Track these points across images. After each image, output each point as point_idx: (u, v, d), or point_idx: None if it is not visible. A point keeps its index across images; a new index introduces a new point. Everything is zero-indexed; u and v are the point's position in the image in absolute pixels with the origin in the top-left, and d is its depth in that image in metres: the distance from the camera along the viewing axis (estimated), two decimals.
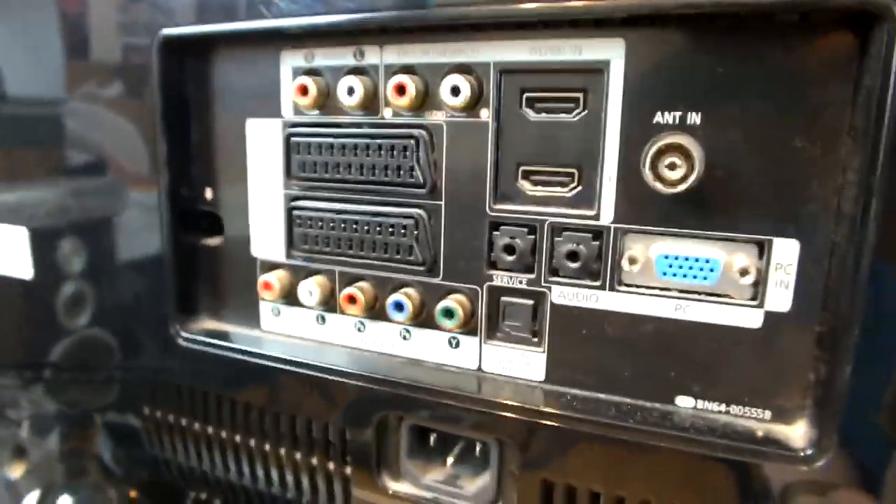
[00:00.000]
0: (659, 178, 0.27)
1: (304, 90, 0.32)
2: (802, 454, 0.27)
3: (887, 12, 0.23)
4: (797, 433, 0.28)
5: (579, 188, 0.29)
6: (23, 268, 0.44)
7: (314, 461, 0.37)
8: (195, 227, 0.38)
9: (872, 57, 0.23)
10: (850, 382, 0.25)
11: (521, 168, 0.30)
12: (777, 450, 0.27)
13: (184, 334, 0.38)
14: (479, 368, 0.33)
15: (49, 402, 0.46)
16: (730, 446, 0.28)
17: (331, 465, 0.37)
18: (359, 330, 0.35)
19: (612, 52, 0.28)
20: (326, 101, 0.33)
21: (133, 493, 0.47)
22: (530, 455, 0.31)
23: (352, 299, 0.34)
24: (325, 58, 0.33)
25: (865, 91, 0.24)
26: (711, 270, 0.28)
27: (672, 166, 0.26)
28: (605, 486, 0.30)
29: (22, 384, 0.46)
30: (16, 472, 0.48)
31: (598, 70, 0.28)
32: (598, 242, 0.29)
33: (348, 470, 0.36)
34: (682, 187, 0.26)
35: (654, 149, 0.26)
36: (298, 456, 0.37)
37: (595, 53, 0.28)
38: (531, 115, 0.30)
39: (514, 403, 0.31)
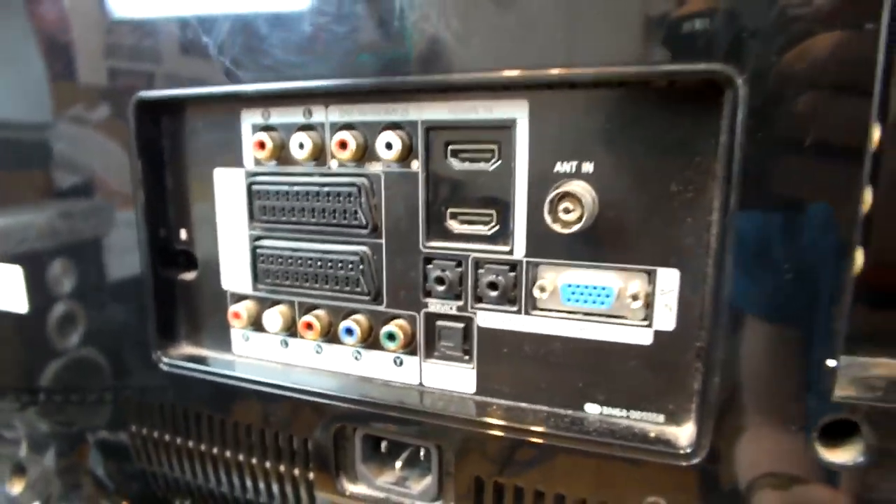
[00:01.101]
0: (557, 220, 0.30)
1: (261, 145, 0.36)
2: (684, 451, 0.31)
3: (730, 82, 0.27)
4: (685, 433, 0.32)
5: (497, 227, 0.33)
6: (18, 303, 0.48)
7: (282, 468, 0.41)
8: (173, 263, 0.42)
9: (724, 116, 0.27)
10: (719, 390, 0.29)
11: (449, 210, 0.34)
12: (665, 448, 0.31)
13: (164, 359, 0.42)
14: (421, 383, 0.37)
15: (44, 423, 0.49)
16: (628, 446, 0.32)
17: (296, 472, 0.40)
18: (317, 352, 0.39)
19: (517, 112, 0.32)
20: (281, 154, 0.37)
21: None
22: (463, 457, 0.35)
23: (309, 326, 0.38)
24: (280, 116, 0.37)
25: (722, 144, 0.28)
26: (607, 296, 0.32)
27: (567, 210, 0.30)
28: (526, 482, 0.34)
29: (18, 407, 0.49)
30: (16, 487, 0.52)
31: (506, 126, 0.32)
32: (513, 274, 0.33)
33: (311, 475, 0.40)
34: (575, 228, 0.30)
35: (551, 195, 0.30)
36: (268, 464, 0.41)
37: (504, 112, 0.32)
38: (455, 164, 0.34)
39: (450, 414, 0.35)
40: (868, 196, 0.28)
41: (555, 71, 0.29)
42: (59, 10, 0.41)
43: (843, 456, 0.29)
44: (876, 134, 0.27)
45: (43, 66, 0.43)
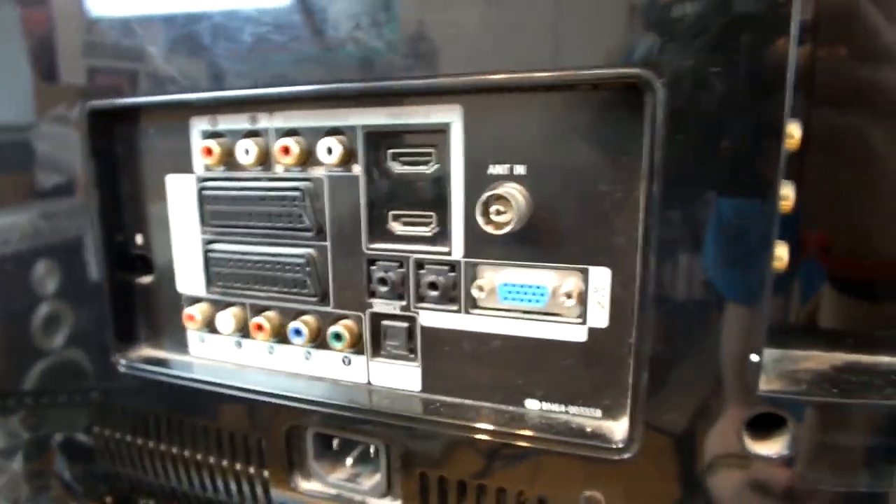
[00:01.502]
0: (490, 222, 0.31)
1: (209, 151, 0.37)
2: (618, 445, 0.31)
3: (649, 84, 0.27)
4: (621, 428, 0.32)
5: (437, 228, 0.34)
6: None
7: (238, 467, 0.41)
8: (130, 267, 0.43)
9: (646, 117, 0.28)
10: (649, 385, 0.30)
11: (391, 212, 0.35)
12: (600, 442, 0.32)
13: (123, 361, 0.43)
14: (368, 382, 0.37)
15: (12, 427, 0.50)
16: (565, 441, 0.32)
17: (251, 470, 0.41)
18: (269, 352, 0.40)
19: (451, 116, 0.32)
20: (229, 160, 0.37)
21: None
22: (409, 454, 0.36)
23: (260, 327, 0.38)
24: (227, 123, 0.37)
25: (645, 145, 0.28)
26: (542, 295, 0.32)
27: (498, 212, 0.31)
28: (469, 477, 0.35)
29: None
30: None
31: (442, 130, 0.32)
32: (453, 274, 0.34)
33: (266, 473, 0.40)
34: (507, 229, 0.30)
35: (483, 198, 0.31)
36: (225, 463, 0.41)
37: (439, 117, 0.32)
38: (396, 167, 0.34)
39: (396, 412, 0.36)
40: (789, 192, 0.28)
41: (484, 76, 0.30)
42: (34, 14, 0.41)
43: (772, 448, 0.29)
44: (797, 132, 0.28)
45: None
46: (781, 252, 0.29)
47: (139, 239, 0.42)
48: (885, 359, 0.32)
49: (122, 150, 0.41)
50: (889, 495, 0.29)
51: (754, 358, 0.28)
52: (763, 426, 0.30)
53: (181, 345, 0.43)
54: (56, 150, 0.43)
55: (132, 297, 0.43)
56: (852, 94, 0.31)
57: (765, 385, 0.29)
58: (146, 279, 0.43)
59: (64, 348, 0.46)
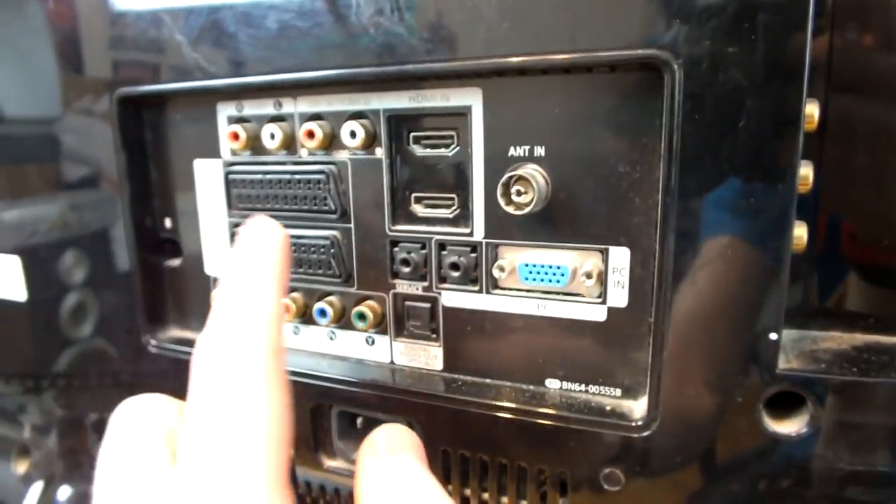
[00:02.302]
0: (511, 202, 0.32)
1: (235, 136, 0.38)
2: (636, 424, 0.32)
3: (667, 65, 0.28)
4: (640, 407, 0.33)
5: (458, 210, 0.34)
6: (17, 291, 0.50)
7: None
8: (159, 250, 0.44)
9: (665, 97, 0.28)
10: (668, 364, 0.30)
11: (413, 195, 0.35)
12: (619, 421, 0.32)
13: (153, 342, 0.44)
14: (392, 361, 0.38)
15: (47, 406, 0.52)
16: (584, 419, 0.33)
17: None
18: (295, 333, 0.41)
19: (472, 99, 0.33)
20: (255, 144, 0.38)
21: None
22: (431, 431, 0.37)
23: (286, 308, 0.39)
24: (252, 108, 0.38)
25: (663, 125, 0.29)
26: (562, 275, 0.33)
27: (519, 193, 0.31)
28: (490, 454, 0.35)
29: (23, 391, 0.52)
30: (21, 467, 0.54)
31: (462, 113, 0.33)
32: (474, 254, 0.34)
33: (291, 451, 0.41)
34: (528, 209, 0.31)
35: (503, 179, 0.31)
36: None
37: (459, 100, 0.33)
38: (417, 150, 0.35)
39: (419, 390, 0.36)
40: (808, 172, 0.29)
41: (503, 59, 0.30)
42: (61, 8, 0.43)
43: (790, 427, 0.30)
44: (816, 113, 0.28)
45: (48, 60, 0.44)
46: (800, 232, 0.29)
47: (168, 223, 0.43)
48: None
49: (151, 136, 0.42)
50: None
51: (773, 337, 0.29)
52: (783, 405, 0.30)
53: None
54: (83, 141, 0.44)
55: (161, 279, 0.44)
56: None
57: (784, 364, 0.30)
58: (175, 262, 0.44)
59: (94, 333, 0.48)
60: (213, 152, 0.40)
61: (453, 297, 0.36)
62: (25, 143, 0.49)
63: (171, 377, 0.44)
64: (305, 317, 0.40)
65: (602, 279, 0.32)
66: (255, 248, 0.29)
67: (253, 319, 0.27)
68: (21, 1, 0.45)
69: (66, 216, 0.47)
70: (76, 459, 0.52)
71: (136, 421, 0.30)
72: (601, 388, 0.34)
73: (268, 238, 0.30)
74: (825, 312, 0.33)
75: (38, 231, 0.49)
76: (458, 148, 0.34)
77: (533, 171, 0.31)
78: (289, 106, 0.37)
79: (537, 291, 0.34)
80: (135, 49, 0.39)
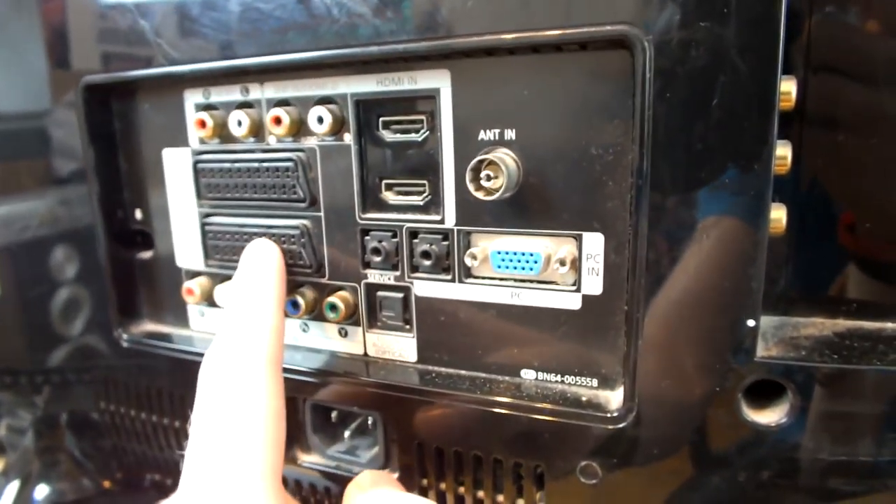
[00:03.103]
0: (480, 188, 0.31)
1: (202, 123, 0.37)
2: (612, 415, 0.31)
3: (637, 41, 0.27)
4: (617, 397, 0.32)
5: (429, 196, 0.34)
6: None
7: None
8: (130, 242, 0.43)
9: (636, 76, 0.27)
10: (643, 352, 0.30)
11: (384, 181, 0.34)
12: (595, 412, 0.31)
13: (125, 336, 0.43)
14: (365, 353, 0.38)
15: (22, 404, 0.51)
16: (560, 411, 0.32)
17: None
18: None
19: (440, 81, 0.32)
20: (223, 132, 0.37)
21: (107, 483, 0.52)
22: (406, 424, 0.36)
23: None
24: (219, 95, 0.37)
25: (635, 105, 0.28)
26: (535, 262, 0.32)
27: (488, 178, 0.30)
28: (465, 447, 0.35)
29: (0, 389, 0.51)
30: None
31: (431, 96, 0.32)
32: (446, 242, 0.33)
33: None
34: (497, 195, 0.30)
35: (472, 164, 0.30)
36: None
37: (427, 83, 0.32)
38: (387, 135, 0.34)
39: (393, 382, 0.36)
40: (785, 152, 0.28)
41: (470, 38, 0.30)
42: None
43: (770, 416, 0.29)
44: (793, 90, 0.27)
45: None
46: (779, 215, 0.28)
47: (138, 214, 0.42)
48: (889, 325, 0.31)
49: (119, 125, 0.41)
50: (890, 463, 0.28)
51: (751, 323, 0.28)
52: (764, 394, 0.29)
53: (182, 319, 0.43)
54: (67, 135, 0.43)
55: (133, 272, 0.44)
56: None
57: (763, 351, 0.29)
58: (146, 254, 0.43)
59: (76, 327, 0.47)
60: (182, 141, 0.39)
61: (426, 287, 0.35)
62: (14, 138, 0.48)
63: (146, 373, 0.44)
64: None
65: (576, 266, 0.31)
66: (255, 267, 0.34)
67: (255, 333, 0.31)
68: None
69: (56, 211, 0.46)
70: (53, 458, 0.52)
71: None
72: (577, 378, 0.33)
73: (267, 258, 0.34)
74: (807, 298, 0.32)
75: (29, 226, 0.48)
76: (427, 132, 0.33)
77: (503, 155, 0.30)
78: (256, 92, 0.36)
79: (510, 280, 0.33)
80: (99, 37, 0.39)
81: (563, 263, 0.31)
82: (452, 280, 0.34)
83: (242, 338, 0.31)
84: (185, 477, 0.28)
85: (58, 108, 0.42)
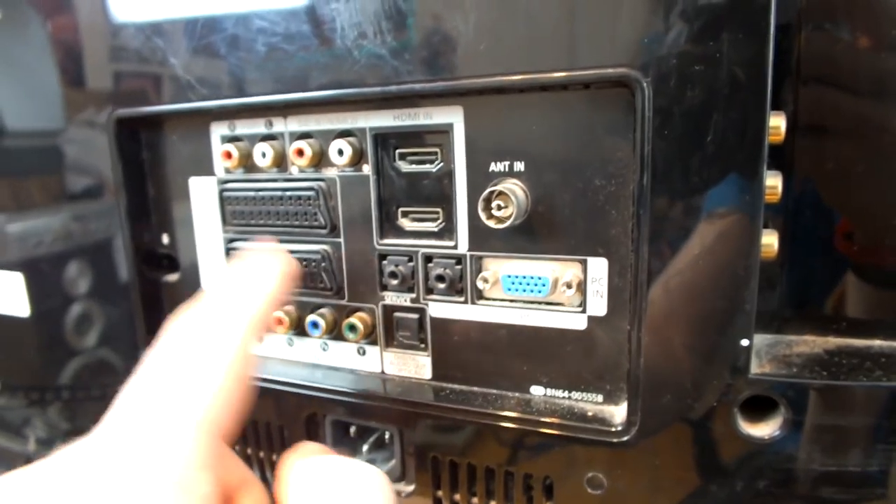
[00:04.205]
0: (491, 217, 0.33)
1: (228, 155, 0.39)
2: (616, 429, 0.33)
3: (636, 83, 0.29)
4: (621, 412, 0.34)
5: (443, 223, 0.36)
6: (20, 306, 0.51)
7: (261, 454, 0.44)
8: (157, 265, 0.45)
9: (636, 114, 0.30)
10: (645, 370, 0.32)
11: (400, 209, 0.37)
12: (600, 426, 0.33)
13: None
14: (382, 371, 0.40)
15: (51, 420, 0.53)
16: (568, 425, 0.34)
17: (274, 457, 0.43)
18: (289, 345, 0.42)
19: (453, 117, 0.34)
20: (248, 162, 0.39)
21: None
22: (421, 439, 0.38)
23: (280, 321, 0.40)
24: (244, 128, 0.39)
25: (636, 139, 0.30)
26: (543, 285, 0.34)
27: (499, 207, 0.32)
28: (478, 460, 0.37)
29: (27, 404, 0.53)
30: None
31: (445, 131, 0.34)
32: (459, 266, 0.36)
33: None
34: (508, 223, 0.32)
35: (484, 195, 0.33)
36: (249, 451, 0.44)
37: (441, 118, 0.34)
38: (403, 166, 0.36)
39: (409, 399, 0.38)
40: (776, 182, 0.30)
41: (482, 79, 0.32)
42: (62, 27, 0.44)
43: (764, 430, 0.31)
44: (782, 125, 0.29)
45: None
46: (770, 240, 0.30)
47: (165, 239, 0.45)
48: (877, 342, 0.33)
49: (148, 154, 0.43)
50: (877, 473, 0.30)
51: (744, 343, 0.30)
52: (760, 408, 0.31)
53: None
54: (85, 154, 0.46)
55: (160, 294, 0.46)
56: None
57: (757, 369, 0.31)
58: (173, 277, 0.45)
59: (97, 345, 0.49)
60: (208, 170, 0.41)
61: (440, 308, 0.37)
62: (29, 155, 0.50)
63: None
64: (298, 329, 0.41)
65: (582, 289, 0.33)
66: (257, 262, 0.32)
67: (250, 296, 0.30)
68: (25, 21, 0.46)
69: (70, 227, 0.48)
70: None
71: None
72: (583, 394, 0.35)
73: (275, 257, 0.33)
74: (800, 317, 0.34)
75: (43, 242, 0.50)
76: (441, 164, 0.35)
77: (513, 186, 0.33)
78: (279, 125, 0.38)
79: (520, 301, 0.35)
80: (132, 72, 0.41)
81: (569, 286, 0.33)
82: (465, 302, 0.36)
83: (230, 296, 0.30)
84: (112, 410, 0.26)
85: (79, 127, 0.44)
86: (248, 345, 0.29)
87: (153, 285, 0.45)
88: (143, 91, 0.41)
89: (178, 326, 0.29)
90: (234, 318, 0.29)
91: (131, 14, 0.40)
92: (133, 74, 0.41)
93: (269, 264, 0.32)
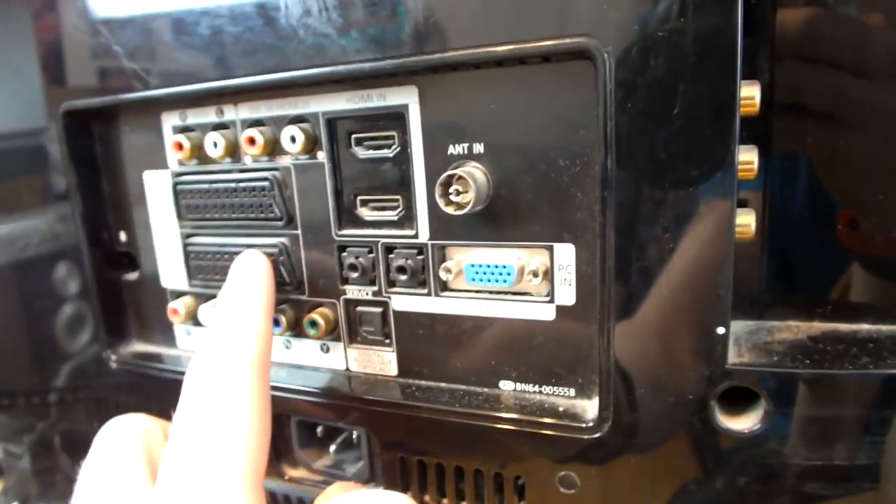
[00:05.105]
0: (450, 203, 0.30)
1: (180, 146, 0.37)
2: (588, 425, 0.31)
3: (598, 53, 0.27)
4: (594, 406, 0.32)
5: (403, 211, 0.33)
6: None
7: None
8: (117, 264, 0.43)
9: (598, 87, 0.27)
10: (616, 362, 0.29)
11: (358, 198, 0.35)
12: (571, 422, 0.31)
13: (113, 357, 0.43)
14: (347, 368, 0.38)
15: (17, 426, 0.51)
16: (538, 421, 0.32)
17: None
18: None
19: (408, 98, 0.32)
20: (200, 153, 0.37)
21: None
22: (388, 438, 0.36)
23: None
24: (195, 117, 0.37)
25: (598, 116, 0.28)
26: (509, 274, 0.32)
27: (457, 192, 0.30)
28: (446, 459, 0.35)
29: (24, 408, 0.51)
30: None
31: (400, 113, 0.32)
32: (421, 257, 0.33)
33: None
34: (467, 209, 0.30)
35: (441, 179, 0.30)
36: None
37: (395, 99, 0.32)
38: (360, 152, 0.34)
39: (375, 397, 0.35)
40: (751, 157, 0.28)
41: (434, 55, 0.30)
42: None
43: (744, 423, 0.29)
44: (756, 95, 0.27)
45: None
46: (747, 220, 0.28)
47: (123, 236, 0.43)
48: (865, 326, 0.31)
49: (101, 149, 0.41)
50: (865, 466, 0.28)
51: (720, 331, 0.28)
52: (741, 400, 0.29)
53: (170, 339, 0.43)
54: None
55: (120, 294, 0.44)
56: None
57: (735, 358, 0.28)
58: (132, 276, 0.43)
59: (66, 348, 0.47)
60: (161, 163, 0.39)
61: (403, 301, 0.35)
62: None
63: (137, 393, 0.44)
64: None
65: (549, 277, 0.31)
66: (244, 275, 0.33)
67: (242, 335, 0.30)
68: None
69: (56, 228, 0.46)
70: (50, 479, 0.52)
71: (117, 439, 0.33)
72: (554, 388, 0.33)
73: (255, 267, 0.34)
74: (783, 301, 0.32)
75: (30, 244, 0.48)
76: (399, 148, 0.33)
77: (472, 170, 0.30)
78: (230, 113, 0.36)
79: (485, 292, 0.33)
80: (77, 62, 0.39)
81: (535, 275, 0.31)
82: (429, 294, 0.34)
83: (230, 340, 0.30)
84: (162, 474, 0.28)
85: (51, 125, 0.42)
86: (264, 385, 0.30)
87: (113, 285, 0.43)
88: (91, 82, 0.39)
89: (196, 375, 0.30)
90: (245, 358, 0.30)
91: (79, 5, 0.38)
92: (79, 65, 0.39)
93: (257, 288, 0.33)
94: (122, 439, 0.33)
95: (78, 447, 0.49)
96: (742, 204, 0.29)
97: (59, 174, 0.43)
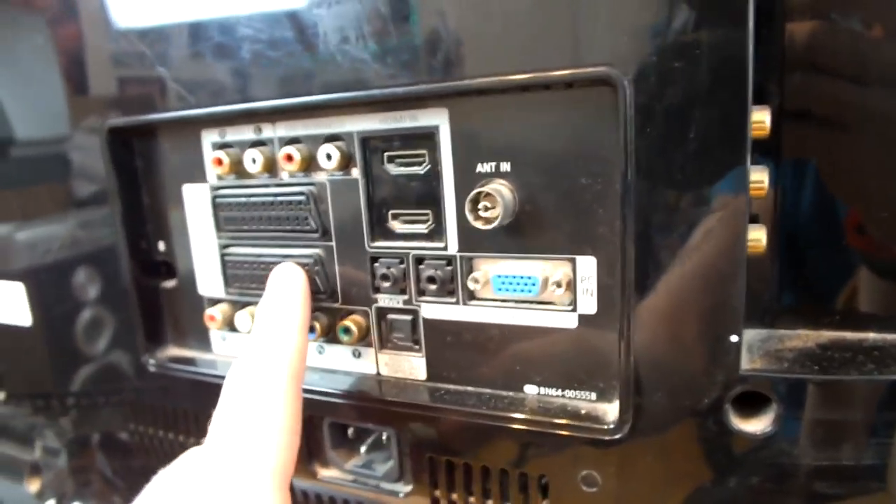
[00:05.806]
0: (478, 218, 0.33)
1: (219, 161, 0.39)
2: (609, 427, 0.33)
3: (618, 81, 0.29)
4: (614, 409, 0.34)
5: (433, 225, 0.36)
6: (23, 315, 0.52)
7: None
8: (155, 272, 0.46)
9: (619, 112, 0.30)
10: (635, 367, 0.32)
11: (390, 212, 0.37)
12: (592, 424, 0.33)
13: (152, 361, 0.46)
14: (378, 373, 0.40)
15: (56, 426, 0.54)
16: (561, 423, 0.34)
17: None
18: None
19: (439, 119, 0.34)
20: (239, 168, 0.40)
21: None
22: (417, 440, 0.38)
23: None
24: (234, 134, 0.40)
25: (620, 137, 0.30)
26: (534, 285, 0.34)
27: (486, 208, 0.33)
28: (474, 460, 0.37)
29: (33, 411, 0.54)
30: (33, 486, 0.56)
31: (430, 133, 0.34)
32: (450, 267, 0.36)
33: None
34: (496, 224, 0.32)
35: (471, 195, 0.33)
36: None
37: (427, 120, 0.34)
38: (392, 169, 0.36)
39: (404, 400, 0.38)
40: (762, 177, 0.30)
41: (465, 81, 0.32)
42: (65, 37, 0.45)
43: (757, 425, 0.31)
44: (766, 119, 0.29)
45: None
46: (758, 235, 0.30)
47: (162, 246, 0.45)
48: (871, 335, 0.33)
49: (142, 163, 0.44)
50: (871, 466, 0.30)
51: (734, 339, 0.30)
52: (754, 403, 0.31)
53: (205, 344, 0.46)
54: (87, 161, 0.46)
55: (158, 300, 0.46)
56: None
57: (748, 364, 0.31)
58: (170, 283, 0.46)
59: (105, 352, 0.50)
60: (200, 177, 0.42)
61: (432, 309, 0.37)
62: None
63: (172, 395, 0.46)
64: None
65: (571, 287, 0.33)
66: (282, 289, 0.36)
67: (279, 349, 0.33)
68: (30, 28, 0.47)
69: (76, 234, 0.49)
70: (86, 477, 0.55)
71: None
72: (577, 392, 0.35)
73: (292, 281, 0.36)
74: (793, 310, 0.34)
75: (51, 249, 0.50)
76: (429, 166, 0.35)
77: (499, 187, 0.33)
78: (268, 131, 0.39)
79: (511, 301, 0.35)
80: (122, 82, 0.41)
81: (559, 285, 0.33)
82: (457, 302, 0.36)
83: (267, 353, 0.33)
84: (200, 465, 0.30)
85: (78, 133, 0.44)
86: (297, 395, 0.33)
87: (151, 292, 0.46)
88: (136, 100, 0.41)
89: (235, 382, 0.33)
90: (281, 370, 0.33)
91: (126, 22, 0.41)
92: (126, 83, 0.42)
93: (294, 302, 0.36)
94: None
95: (114, 447, 0.52)
96: (753, 219, 0.31)
97: (95, 183, 0.45)
